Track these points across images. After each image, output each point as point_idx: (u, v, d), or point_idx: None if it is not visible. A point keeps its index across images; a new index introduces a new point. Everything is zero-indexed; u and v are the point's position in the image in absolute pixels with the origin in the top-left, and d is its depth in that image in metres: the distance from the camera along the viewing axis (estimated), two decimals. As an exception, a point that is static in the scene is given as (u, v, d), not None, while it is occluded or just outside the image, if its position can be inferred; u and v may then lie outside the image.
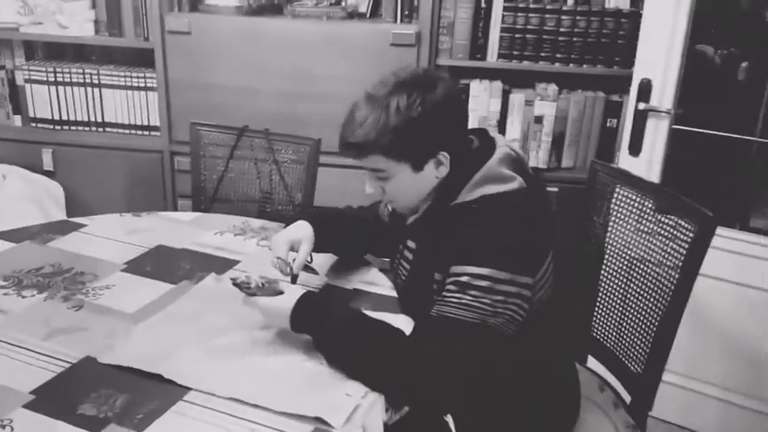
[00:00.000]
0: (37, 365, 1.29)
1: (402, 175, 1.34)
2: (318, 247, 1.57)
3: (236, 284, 1.37)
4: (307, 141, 2.10)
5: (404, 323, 1.45)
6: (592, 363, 1.84)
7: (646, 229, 1.66)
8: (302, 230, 1.55)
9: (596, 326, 1.81)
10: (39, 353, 1.32)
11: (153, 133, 2.89)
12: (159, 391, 1.23)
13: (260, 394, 1.21)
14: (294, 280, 1.49)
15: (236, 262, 1.74)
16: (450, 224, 1.34)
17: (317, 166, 2.11)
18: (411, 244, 1.48)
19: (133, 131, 2.91)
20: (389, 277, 1.66)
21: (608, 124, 2.56)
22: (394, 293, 1.61)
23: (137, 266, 1.69)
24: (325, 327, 1.32)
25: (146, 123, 2.89)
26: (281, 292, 1.38)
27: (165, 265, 1.70)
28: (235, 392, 1.21)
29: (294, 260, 1.50)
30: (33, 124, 2.96)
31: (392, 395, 1.25)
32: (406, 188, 1.38)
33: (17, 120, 2.98)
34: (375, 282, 1.66)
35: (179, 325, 1.43)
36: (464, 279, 1.26)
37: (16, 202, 2.78)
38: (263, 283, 1.37)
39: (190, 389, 1.23)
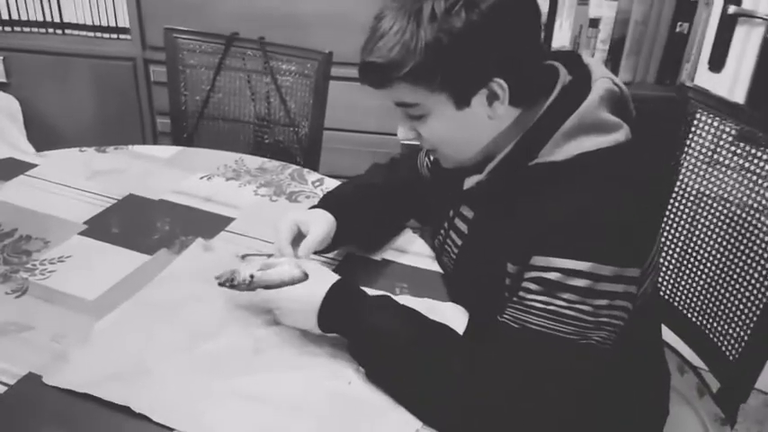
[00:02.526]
0: (-38, 388, 0.93)
1: (441, 114, 0.95)
2: (341, 240, 1.18)
3: (220, 284, 1.03)
4: (314, 55, 1.66)
5: (454, 315, 1.09)
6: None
7: (750, 168, 1.29)
8: (317, 215, 1.15)
9: (673, 290, 1.46)
10: (-36, 367, 0.96)
11: (122, 36, 2.41)
12: (128, 434, 0.88)
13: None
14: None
15: (231, 220, 1.35)
16: (530, 193, 0.95)
17: (327, 87, 1.68)
18: (466, 212, 1.09)
19: (98, 34, 2.42)
20: (428, 243, 1.28)
21: (677, 29, 2.11)
22: (437, 266, 1.24)
23: (100, 227, 1.30)
24: (369, 325, 0.96)
25: (113, 24, 2.40)
26: (297, 278, 1.02)
27: (136, 224, 1.32)
28: (237, 437, 0.87)
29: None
30: (-21, 26, 2.48)
31: None
32: (449, 133, 0.98)
33: (-41, 20, 2.48)
34: (410, 249, 1.29)
35: (153, 321, 1.06)
36: (553, 277, 0.89)
37: (-35, 120, 2.36)
38: (251, 276, 1.01)
39: (172, 430, 0.88)
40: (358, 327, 0.96)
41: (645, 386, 1.16)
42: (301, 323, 1.00)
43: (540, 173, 0.94)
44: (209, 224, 1.33)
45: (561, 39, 2.14)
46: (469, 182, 1.03)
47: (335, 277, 1.00)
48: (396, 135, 1.05)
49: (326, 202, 1.20)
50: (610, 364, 0.95)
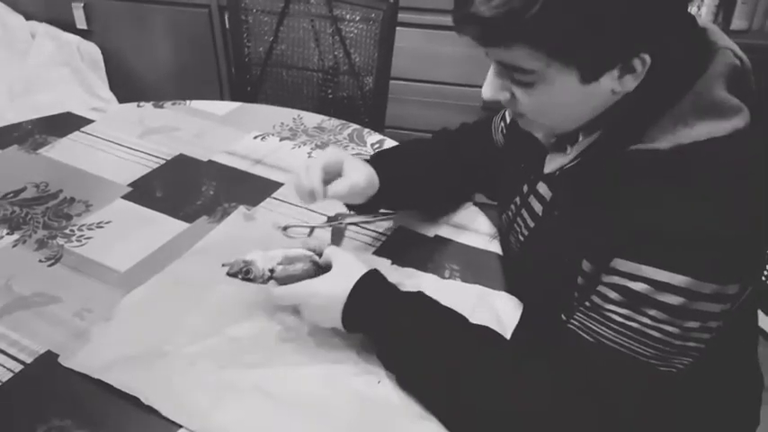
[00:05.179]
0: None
1: (557, 85, 0.73)
2: (381, 202, 1.05)
3: (230, 275, 0.90)
4: (378, 4, 1.51)
5: (506, 307, 0.97)
6: None
7: None
8: (361, 163, 1.00)
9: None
10: (-14, 339, 0.93)
11: (198, -18, 2.34)
12: (136, 428, 0.82)
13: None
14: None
15: (278, 185, 1.26)
16: (623, 183, 0.77)
17: (392, 39, 1.54)
18: (543, 191, 0.93)
19: (174, -20, 2.37)
20: (495, 223, 1.14)
21: (810, -33, 1.81)
22: (495, 247, 1.10)
23: (144, 190, 1.24)
24: (398, 327, 0.84)
25: (188, -30, 2.34)
26: (320, 268, 0.91)
27: (181, 188, 1.25)
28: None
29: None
30: (61, -29, 2.46)
31: None
32: (559, 106, 0.77)
33: (42, -34, 2.48)
34: (469, 226, 1.16)
35: (179, 299, 0.99)
36: (639, 288, 0.73)
37: (48, 67, 2.38)
38: (270, 271, 0.90)
39: (181, 427, 0.81)
40: (385, 329, 0.85)
41: (730, 397, 1.00)
42: (325, 322, 0.89)
43: (639, 161, 0.76)
44: (256, 189, 1.24)
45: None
46: (552, 164, 0.86)
47: (363, 270, 0.88)
48: (472, 87, 0.87)
49: (375, 159, 1.06)
50: (688, 375, 0.80)
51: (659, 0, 0.69)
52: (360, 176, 0.97)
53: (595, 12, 0.66)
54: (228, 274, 0.90)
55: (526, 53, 0.70)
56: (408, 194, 1.10)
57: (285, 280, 0.90)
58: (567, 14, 0.66)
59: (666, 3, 0.70)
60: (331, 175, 0.97)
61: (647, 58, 0.71)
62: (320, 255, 0.93)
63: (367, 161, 1.04)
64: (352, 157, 1.00)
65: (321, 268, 0.91)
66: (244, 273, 0.89)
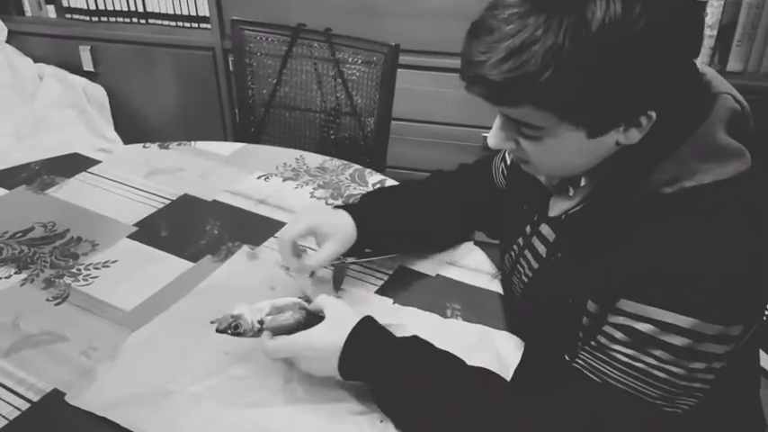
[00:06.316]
0: (-11, 400, 0.91)
1: (565, 140, 0.75)
2: (369, 246, 1.08)
3: (219, 332, 0.89)
4: (380, 48, 1.56)
5: (507, 346, 0.98)
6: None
7: None
8: (339, 226, 1.03)
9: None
10: (-7, 378, 0.94)
11: (202, 25, 2.39)
12: (141, 466, 0.83)
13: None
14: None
15: (281, 224, 1.28)
16: (628, 226, 0.79)
17: (393, 82, 1.58)
18: (547, 232, 0.93)
19: (179, 23, 2.42)
20: (496, 263, 1.16)
21: (799, 12, 1.86)
22: (496, 286, 1.12)
23: (149, 230, 1.26)
24: (393, 375, 0.85)
25: (193, 14, 2.39)
26: (311, 315, 0.92)
27: (185, 228, 1.27)
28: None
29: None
30: (69, 15, 2.52)
31: None
32: (565, 157, 0.79)
33: (50, 10, 2.53)
34: (470, 265, 1.17)
35: (184, 339, 1.00)
36: (645, 329, 0.75)
37: (55, 109, 2.42)
38: (259, 323, 0.88)
39: (185, 464, 0.82)
40: (381, 378, 0.86)
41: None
42: (321, 372, 0.89)
43: (644, 205, 0.78)
44: (259, 229, 1.26)
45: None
46: (556, 208, 0.89)
47: (356, 319, 0.88)
48: (473, 127, 0.90)
49: (363, 207, 1.09)
50: (691, 417, 0.81)
51: (669, 64, 0.70)
52: (329, 250, 1.02)
53: (607, 77, 0.68)
54: (218, 330, 0.88)
55: (535, 112, 0.72)
56: (395, 237, 1.11)
57: (276, 330, 0.89)
58: (579, 79, 0.67)
59: (675, 66, 0.72)
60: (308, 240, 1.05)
61: (653, 114, 0.73)
62: (308, 300, 0.94)
63: (356, 204, 1.09)
64: (325, 223, 1.03)
65: (312, 315, 0.91)
66: (233, 328, 0.88)
